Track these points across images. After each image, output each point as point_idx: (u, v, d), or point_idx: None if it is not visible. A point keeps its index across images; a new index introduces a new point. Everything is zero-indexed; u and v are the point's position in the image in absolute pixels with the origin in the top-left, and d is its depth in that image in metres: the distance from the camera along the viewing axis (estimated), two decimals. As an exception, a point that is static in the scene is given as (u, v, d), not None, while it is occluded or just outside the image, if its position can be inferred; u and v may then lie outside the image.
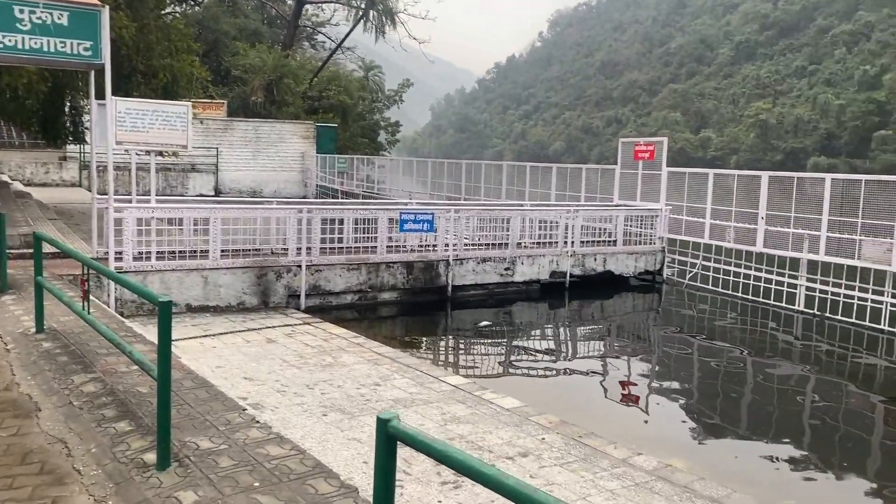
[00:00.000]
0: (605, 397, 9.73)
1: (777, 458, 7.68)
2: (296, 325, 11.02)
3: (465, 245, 14.80)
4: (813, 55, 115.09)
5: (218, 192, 35.34)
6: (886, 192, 12.88)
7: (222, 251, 11.92)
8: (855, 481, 7.38)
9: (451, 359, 11.59)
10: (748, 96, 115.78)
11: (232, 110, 40.86)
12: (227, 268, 11.81)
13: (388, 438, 2.33)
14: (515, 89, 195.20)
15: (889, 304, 12.88)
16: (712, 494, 5.65)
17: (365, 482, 5.03)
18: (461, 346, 12.33)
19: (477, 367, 10.70)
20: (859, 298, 13.33)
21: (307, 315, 11.83)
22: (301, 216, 12.56)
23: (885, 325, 12.86)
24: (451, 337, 13.05)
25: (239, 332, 10.47)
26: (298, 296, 12.47)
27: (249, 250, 12.58)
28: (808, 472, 7.50)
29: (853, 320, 13.30)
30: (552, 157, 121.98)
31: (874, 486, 7.20)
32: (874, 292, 13.23)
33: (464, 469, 2.14)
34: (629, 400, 9.69)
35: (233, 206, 13.91)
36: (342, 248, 13.47)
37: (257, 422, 4.95)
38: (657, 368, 11.43)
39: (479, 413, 7.33)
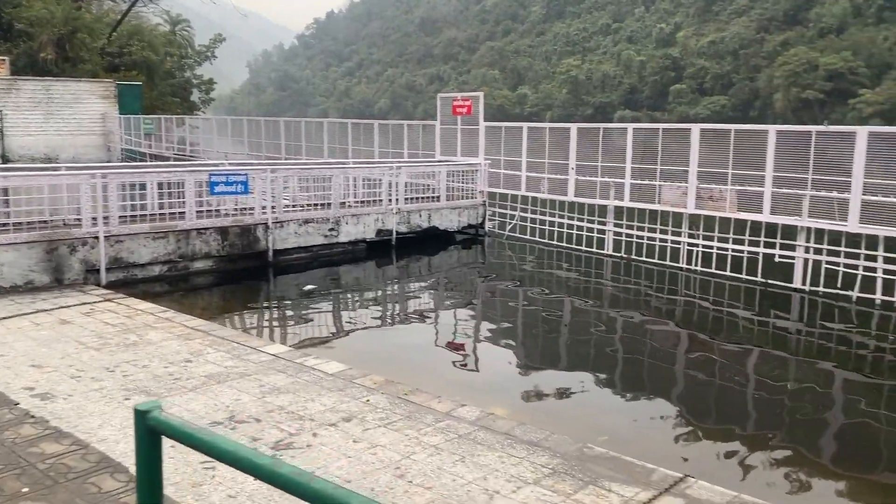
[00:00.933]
0: (433, 352, 9.77)
1: (593, 396, 8.09)
2: (95, 302, 10.01)
3: (286, 207, 14.20)
4: (616, 13, 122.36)
5: (5, 160, 31.55)
6: (680, 140, 13.87)
7: (1, 225, 10.52)
8: (663, 405, 7.93)
9: (272, 328, 11.11)
10: (559, 53, 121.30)
11: (18, 69, 36.47)
12: (9, 243, 10.45)
13: (150, 432, 1.98)
14: (336, 46, 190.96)
15: (686, 245, 14.00)
16: (531, 438, 5.77)
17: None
18: (284, 313, 11.86)
19: (300, 334, 10.33)
20: (660, 241, 14.38)
21: (109, 291, 10.78)
22: (95, 182, 11.35)
23: (682, 263, 13.98)
24: (273, 305, 12.52)
25: (26, 314, 9.32)
26: (98, 270, 11.34)
27: (36, 222, 11.21)
28: (621, 404, 7.96)
29: (656, 261, 14.34)
30: (377, 114, 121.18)
31: (678, 408, 7.78)
32: (673, 234, 14.32)
33: (233, 461, 1.86)
34: (456, 352, 9.78)
35: (13, 174, 12.31)
36: (146, 215, 12.40)
37: (32, 416, 4.33)
38: (482, 319, 11.66)
39: (301, 381, 7.01)
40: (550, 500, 4.73)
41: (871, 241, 11.52)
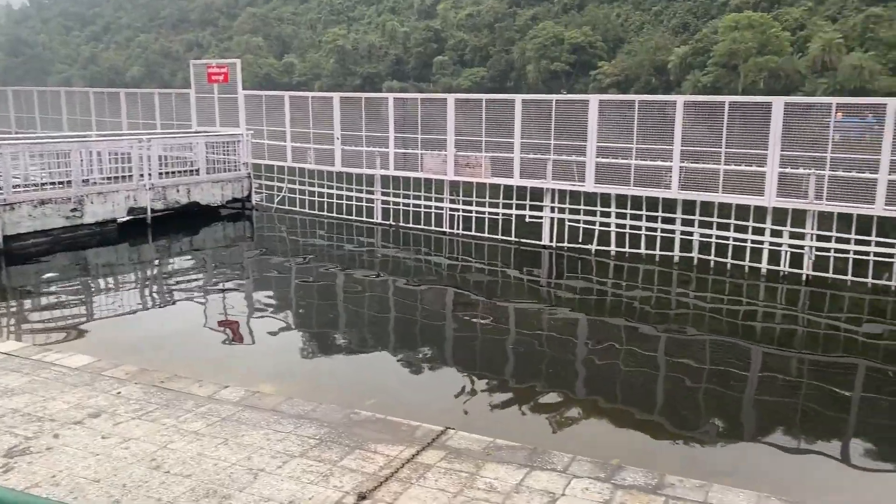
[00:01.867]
0: (197, 335, 9.28)
1: (364, 361, 8.22)
2: None
3: (17, 187, 12.60)
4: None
5: None
6: (438, 110, 14.37)
7: None
8: (432, 362, 8.26)
9: (5, 324, 9.87)
10: (325, 22, 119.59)
11: None
12: None
13: None
14: (77, 8, 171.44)
15: (448, 210, 14.63)
16: (299, 411, 5.73)
17: None
18: (21, 306, 10.59)
19: (40, 328, 9.29)
20: (425, 207, 14.89)
21: None
22: None
23: (446, 228, 14.62)
24: (6, 298, 11.11)
25: None
26: None
27: None
28: (392, 365, 8.17)
29: (422, 226, 14.84)
30: (130, 83, 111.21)
31: (446, 364, 8.16)
32: (436, 200, 14.89)
33: None
34: (223, 333, 9.40)
35: None
36: None
37: None
38: (251, 296, 11.30)
39: (40, 379, 6.33)
40: (317, 471, 4.74)
41: (606, 200, 12.87)
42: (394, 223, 15.27)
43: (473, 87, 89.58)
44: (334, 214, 16.19)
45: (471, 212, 14.38)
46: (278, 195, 17.15)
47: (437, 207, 14.84)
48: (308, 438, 5.24)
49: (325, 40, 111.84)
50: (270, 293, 11.45)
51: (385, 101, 15.46)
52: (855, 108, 11.26)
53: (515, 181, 13.51)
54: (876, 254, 10.67)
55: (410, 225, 14.99)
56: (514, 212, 13.85)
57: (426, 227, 14.80)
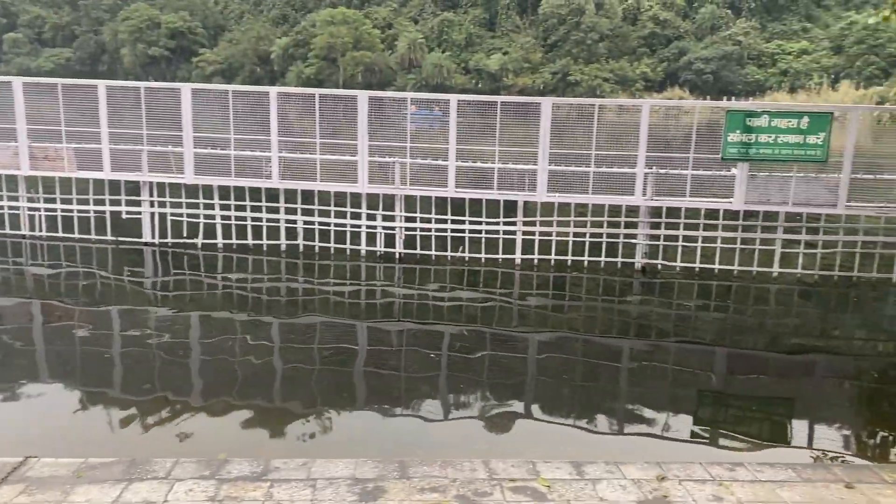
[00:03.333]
0: None
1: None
2: None
3: None
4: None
5: None
6: (2, 94, 12.42)
7: None
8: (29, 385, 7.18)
9: None
10: None
11: None
12: None
13: None
14: None
15: (26, 210, 12.84)
16: None
17: None
18: None
19: None
20: (-4, 207, 12.84)
21: None
22: None
23: (26, 230, 12.82)
24: None
25: None
26: None
27: None
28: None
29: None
30: None
31: (9, 374, 7.17)
32: (10, 199, 12.95)
33: None
34: None
35: None
36: None
37: None
38: None
39: None
40: None
41: (209, 191, 12.56)
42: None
43: (58, 69, 79.81)
44: None
45: (55, 210, 12.81)
46: None
47: (11, 208, 12.92)
48: None
49: None
50: None
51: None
52: (425, 102, 12.75)
53: (107, 174, 12.39)
54: (452, 230, 12.28)
55: (-14, 229, 12.80)
56: (107, 208, 12.71)
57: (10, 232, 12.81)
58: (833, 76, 71.69)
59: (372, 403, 6.99)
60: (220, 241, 12.60)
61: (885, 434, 6.88)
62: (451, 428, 6.63)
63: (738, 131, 11.00)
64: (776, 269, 11.71)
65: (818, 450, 6.30)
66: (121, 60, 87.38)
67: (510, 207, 12.06)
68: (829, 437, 6.70)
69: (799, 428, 6.88)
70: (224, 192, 12.56)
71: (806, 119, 10.87)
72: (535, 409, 7.07)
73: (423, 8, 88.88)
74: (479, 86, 77.80)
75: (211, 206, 12.57)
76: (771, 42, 78.25)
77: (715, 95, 68.79)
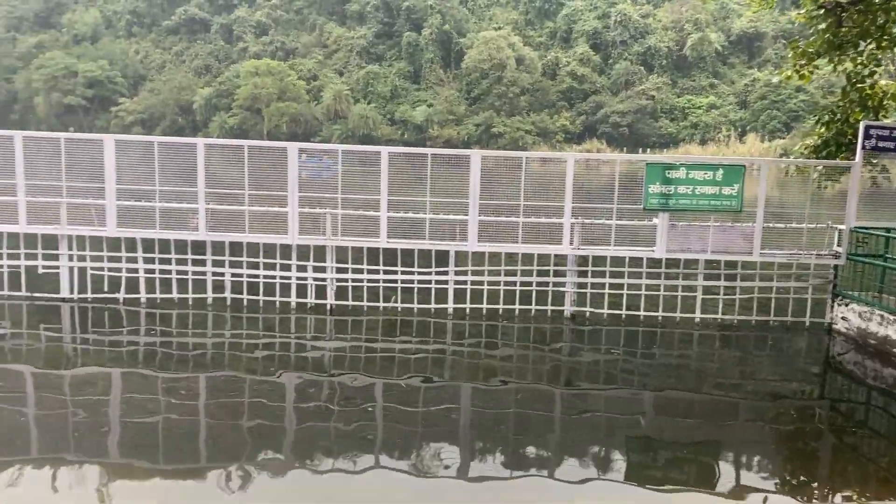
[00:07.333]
0: None
1: None
2: None
3: None
4: None
5: None
6: None
7: None
8: None
9: None
10: None
11: None
12: None
13: None
14: None
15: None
16: None
17: None
18: None
19: None
20: None
21: None
22: None
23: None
24: None
25: None
26: None
27: None
28: None
29: None
30: None
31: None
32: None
33: None
34: None
35: None
36: None
37: None
38: None
39: None
40: None
41: (132, 244, 12.19)
42: None
43: (-35, 118, 76.65)
44: None
45: (-36, 266, 12.17)
46: None
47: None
48: None
49: None
50: None
51: None
52: (314, 151, 12.92)
53: (23, 227, 11.88)
54: (384, 280, 12.27)
55: None
56: (22, 262, 12.16)
57: None
58: (740, 129, 76.24)
59: (278, 462, 6.82)
60: (143, 294, 12.20)
61: (805, 473, 7.17)
62: (370, 481, 6.53)
63: (657, 183, 11.51)
64: (698, 314, 12.16)
65: (744, 488, 6.50)
66: (34, 109, 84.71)
67: (442, 256, 12.17)
68: (750, 477, 6.93)
69: (726, 469, 7.10)
70: (148, 244, 12.21)
71: (721, 171, 11.49)
72: (463, 455, 7.04)
73: (349, 60, 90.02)
74: (405, 136, 78.95)
75: (134, 260, 12.19)
76: (682, 97, 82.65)
77: (631, 147, 71.95)
